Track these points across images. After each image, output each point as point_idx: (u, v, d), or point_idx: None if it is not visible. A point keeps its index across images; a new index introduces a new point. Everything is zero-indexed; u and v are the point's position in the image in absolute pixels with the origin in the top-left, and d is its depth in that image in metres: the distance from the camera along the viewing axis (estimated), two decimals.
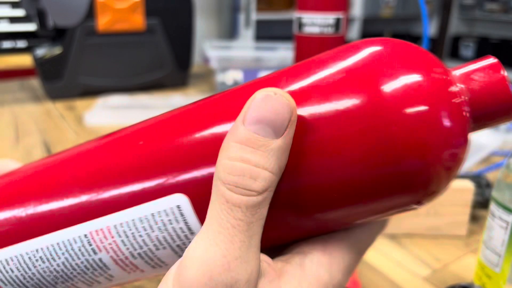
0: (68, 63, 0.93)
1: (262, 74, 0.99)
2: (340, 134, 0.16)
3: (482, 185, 0.48)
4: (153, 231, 0.18)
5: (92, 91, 0.97)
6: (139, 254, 0.19)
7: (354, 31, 2.56)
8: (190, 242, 0.18)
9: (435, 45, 2.81)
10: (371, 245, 0.20)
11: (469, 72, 0.18)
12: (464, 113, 0.17)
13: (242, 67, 0.99)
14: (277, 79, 0.18)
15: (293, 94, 0.17)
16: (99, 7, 0.91)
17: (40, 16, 0.89)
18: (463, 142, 0.16)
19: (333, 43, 0.62)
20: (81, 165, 0.20)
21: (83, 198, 0.19)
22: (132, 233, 0.18)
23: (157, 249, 0.18)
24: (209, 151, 0.17)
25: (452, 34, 2.79)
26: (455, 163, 0.16)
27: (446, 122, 0.16)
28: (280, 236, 0.19)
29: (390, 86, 0.16)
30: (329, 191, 0.17)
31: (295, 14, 0.63)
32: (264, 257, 0.17)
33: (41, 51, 0.95)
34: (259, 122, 0.15)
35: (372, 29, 2.79)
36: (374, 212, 0.17)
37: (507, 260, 0.33)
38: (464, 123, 0.17)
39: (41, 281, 0.21)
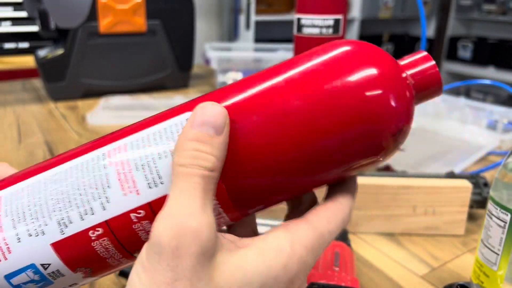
0: (70, 64, 0.93)
1: None
2: (323, 109, 0.22)
3: (479, 184, 0.49)
4: (161, 140, 0.22)
5: (94, 92, 0.98)
6: (142, 165, 0.21)
7: (353, 32, 2.57)
8: None
9: (433, 46, 2.81)
10: (335, 231, 0.22)
11: (411, 62, 0.24)
12: (409, 93, 0.23)
13: (242, 68, 1.00)
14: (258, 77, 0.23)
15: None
16: (100, 9, 0.91)
17: (42, 17, 0.90)
18: (409, 114, 0.23)
19: None
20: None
21: (119, 133, 0.23)
22: (143, 145, 0.22)
23: (160, 157, 0.21)
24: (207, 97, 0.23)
25: (450, 35, 2.80)
26: (401, 127, 0.23)
27: (396, 101, 0.22)
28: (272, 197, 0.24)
29: (357, 77, 0.22)
30: (315, 152, 0.22)
31: (295, 16, 0.63)
32: (226, 235, 0.21)
33: (43, 52, 0.96)
34: (204, 124, 0.20)
35: (370, 30, 2.80)
36: (343, 165, 0.23)
37: (505, 259, 0.33)
38: (410, 100, 0.23)
39: (41, 208, 0.22)
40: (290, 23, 2.20)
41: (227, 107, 0.22)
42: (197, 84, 1.15)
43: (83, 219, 0.22)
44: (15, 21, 1.84)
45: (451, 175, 0.50)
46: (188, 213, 0.18)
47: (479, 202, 0.48)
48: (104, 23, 0.92)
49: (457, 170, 0.61)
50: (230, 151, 0.21)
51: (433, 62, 0.24)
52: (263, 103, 0.22)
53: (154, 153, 0.21)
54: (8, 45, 1.85)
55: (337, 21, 0.61)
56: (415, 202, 0.46)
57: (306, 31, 0.61)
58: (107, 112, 0.84)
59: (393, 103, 0.22)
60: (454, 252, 0.44)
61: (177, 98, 0.93)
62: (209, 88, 1.11)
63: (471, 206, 0.48)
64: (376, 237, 0.46)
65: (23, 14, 1.82)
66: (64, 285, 0.23)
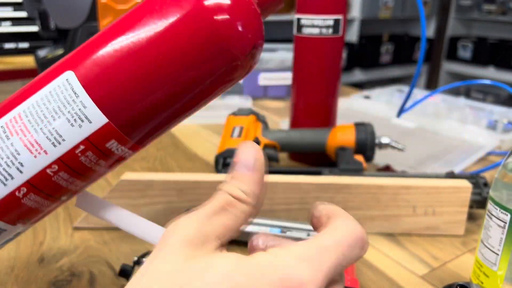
0: None
1: (262, 75, 1.00)
2: (180, 35, 0.24)
3: (479, 184, 0.49)
4: (50, 104, 0.24)
5: None
6: (41, 129, 0.24)
7: (353, 32, 2.57)
8: (77, 106, 0.24)
9: (433, 46, 2.82)
10: (343, 242, 0.21)
11: None
12: (254, 11, 0.26)
13: None
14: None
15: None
16: (100, 9, 0.91)
17: (42, 17, 0.90)
18: (258, 31, 0.26)
19: (332, 44, 0.63)
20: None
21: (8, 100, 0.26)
22: (36, 111, 0.25)
23: (54, 119, 0.24)
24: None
25: (450, 35, 2.80)
26: (253, 46, 0.26)
27: (243, 23, 0.25)
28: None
29: (206, 4, 0.24)
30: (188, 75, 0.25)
31: (294, 16, 0.63)
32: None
33: (43, 52, 0.96)
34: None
35: (370, 30, 2.80)
36: (203, 82, 0.26)
37: (505, 259, 0.33)
38: (256, 18, 0.26)
39: None
40: (290, 23, 2.20)
41: (95, 60, 0.25)
42: None
43: (6, 185, 0.25)
44: (15, 21, 1.84)
45: (451, 175, 0.50)
46: (186, 217, 0.21)
47: (479, 202, 0.48)
48: (104, 23, 0.92)
49: (457, 170, 0.61)
50: (108, 94, 0.25)
51: None
52: (122, 40, 0.25)
53: (48, 116, 0.24)
54: (8, 45, 1.84)
55: (337, 21, 0.61)
56: (415, 202, 0.46)
57: (306, 31, 0.61)
58: None
59: (240, 27, 0.25)
60: (454, 252, 0.44)
61: None
62: None
63: (471, 206, 0.48)
64: (376, 237, 0.46)
65: (23, 14, 1.82)
66: (9, 236, 0.27)
